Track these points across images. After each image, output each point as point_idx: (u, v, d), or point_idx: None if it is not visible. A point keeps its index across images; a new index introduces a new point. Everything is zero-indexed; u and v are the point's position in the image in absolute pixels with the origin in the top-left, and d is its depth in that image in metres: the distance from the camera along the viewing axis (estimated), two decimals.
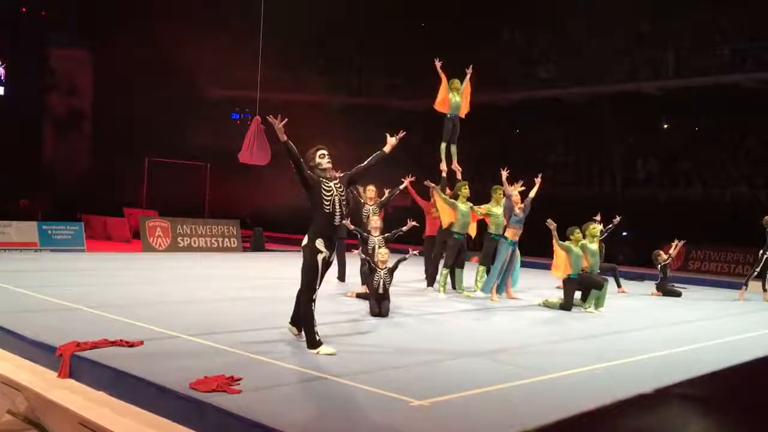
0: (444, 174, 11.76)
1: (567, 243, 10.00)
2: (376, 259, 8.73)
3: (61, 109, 25.47)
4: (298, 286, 6.49)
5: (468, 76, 11.81)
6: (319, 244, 6.20)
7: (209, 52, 21.61)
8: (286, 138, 6.13)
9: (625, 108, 23.18)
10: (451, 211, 10.88)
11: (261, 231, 19.34)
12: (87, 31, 24.15)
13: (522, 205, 10.47)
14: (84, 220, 18.30)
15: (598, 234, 10.47)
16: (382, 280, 8.52)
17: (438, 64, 11.62)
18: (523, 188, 10.65)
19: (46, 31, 24.13)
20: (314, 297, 6.23)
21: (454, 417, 4.59)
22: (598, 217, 10.89)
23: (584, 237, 10.22)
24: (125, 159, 22.35)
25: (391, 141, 6.70)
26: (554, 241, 10.00)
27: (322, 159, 6.34)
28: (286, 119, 6.13)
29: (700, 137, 23.35)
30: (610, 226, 11.00)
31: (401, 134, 6.79)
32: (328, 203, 6.23)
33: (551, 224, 9.84)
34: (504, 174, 10.54)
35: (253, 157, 14.31)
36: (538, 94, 24.96)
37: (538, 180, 10.68)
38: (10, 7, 22.88)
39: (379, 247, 9.16)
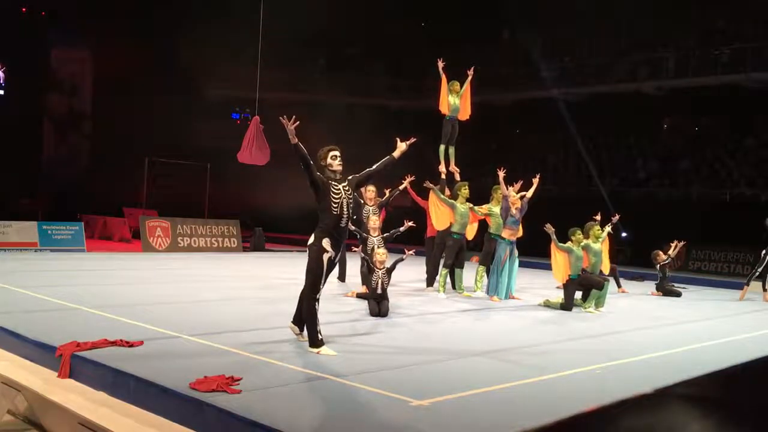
0: (443, 175, 11.78)
1: (567, 244, 10.00)
2: (374, 260, 8.74)
3: (61, 109, 25.43)
4: (299, 286, 6.50)
5: (468, 78, 11.80)
6: (326, 243, 6.20)
7: (209, 52, 21.60)
8: (296, 140, 6.12)
9: (625, 108, 23.19)
10: (449, 211, 10.89)
11: (261, 231, 19.35)
12: (87, 31, 24.11)
13: (519, 206, 10.48)
14: (84, 220, 18.31)
15: (603, 235, 10.44)
16: (380, 281, 8.54)
17: (441, 64, 11.61)
18: (522, 193, 10.66)
19: (46, 31, 24.09)
20: (318, 296, 6.23)
21: (454, 417, 4.59)
22: (598, 217, 10.87)
23: (587, 237, 10.21)
24: (125, 159, 22.34)
25: (401, 147, 6.69)
26: (553, 244, 10.00)
27: (334, 160, 6.35)
28: (298, 122, 6.13)
29: (700, 137, 23.35)
30: (610, 224, 10.99)
31: (411, 140, 6.77)
32: (336, 205, 6.24)
33: (549, 229, 9.84)
34: (501, 174, 10.54)
35: (253, 157, 14.33)
36: (538, 94, 24.96)
37: (536, 180, 10.69)
38: (10, 7, 22.86)
39: (378, 247, 9.18)
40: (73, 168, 24.62)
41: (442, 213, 11.00)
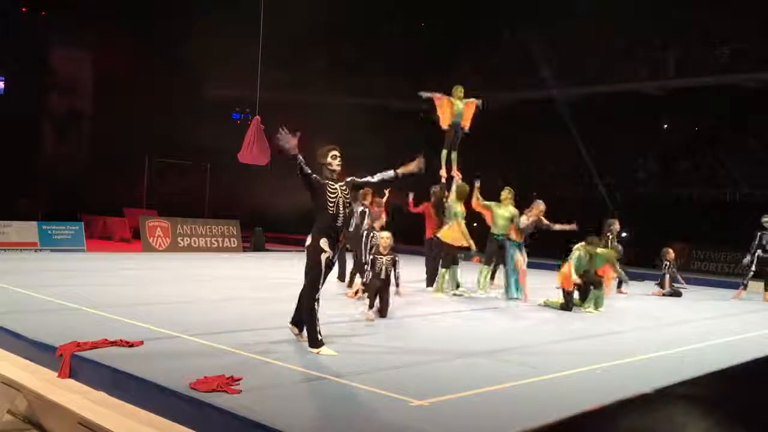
0: (444, 180, 11.78)
1: (576, 254, 10.09)
2: (380, 245, 8.57)
3: (61, 109, 25.43)
4: (298, 286, 6.50)
5: (475, 102, 11.75)
6: (323, 243, 6.20)
7: (209, 51, 21.60)
8: (296, 152, 6.02)
9: (625, 108, 23.18)
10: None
11: (261, 231, 19.34)
12: (87, 31, 24.12)
13: (530, 222, 10.75)
14: (84, 220, 18.30)
15: (610, 254, 10.67)
16: (384, 267, 8.43)
17: (426, 95, 11.59)
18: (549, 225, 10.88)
19: (46, 31, 24.09)
20: (317, 297, 6.24)
21: (454, 417, 4.59)
22: (617, 224, 11.03)
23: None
24: (125, 159, 22.33)
25: (410, 167, 6.54)
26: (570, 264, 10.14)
27: (334, 160, 6.33)
28: (299, 133, 6.06)
29: (700, 137, 23.34)
30: (615, 235, 11.15)
31: (420, 162, 6.55)
32: (332, 205, 6.24)
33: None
34: (541, 206, 10.80)
35: (253, 157, 14.31)
36: (538, 94, 24.95)
37: (569, 226, 10.88)
38: (10, 7, 22.86)
39: (382, 232, 8.96)
40: (73, 168, 24.60)
41: (455, 231, 11.05)
